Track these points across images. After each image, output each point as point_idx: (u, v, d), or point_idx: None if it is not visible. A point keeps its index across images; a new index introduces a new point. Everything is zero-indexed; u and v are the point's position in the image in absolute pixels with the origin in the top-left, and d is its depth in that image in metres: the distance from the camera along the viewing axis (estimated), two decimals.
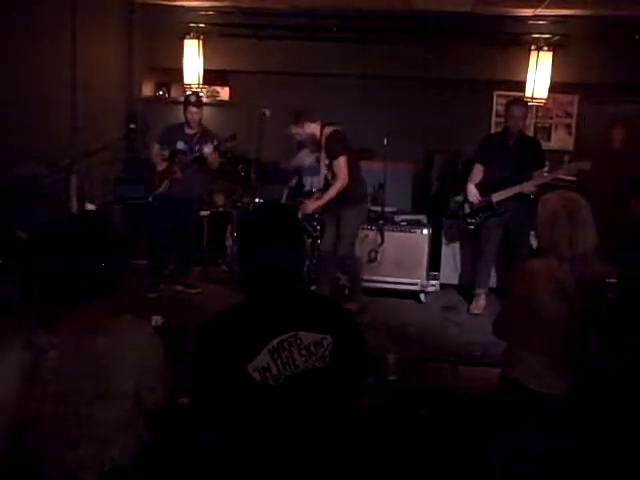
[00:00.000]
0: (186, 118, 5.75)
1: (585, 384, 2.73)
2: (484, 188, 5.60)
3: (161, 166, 5.75)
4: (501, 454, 2.79)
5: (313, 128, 5.30)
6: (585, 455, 2.69)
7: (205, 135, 5.74)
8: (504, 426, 2.77)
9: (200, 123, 5.80)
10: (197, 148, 5.64)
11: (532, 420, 2.67)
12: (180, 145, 5.72)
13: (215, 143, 5.62)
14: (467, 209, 5.71)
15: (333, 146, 5.24)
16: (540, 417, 2.66)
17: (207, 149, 5.58)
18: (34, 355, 1.97)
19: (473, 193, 5.62)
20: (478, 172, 5.67)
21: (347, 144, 5.30)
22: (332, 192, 5.23)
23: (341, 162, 5.19)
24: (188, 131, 5.76)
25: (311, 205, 5.36)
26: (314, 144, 5.40)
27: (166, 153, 5.75)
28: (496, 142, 5.67)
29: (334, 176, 5.25)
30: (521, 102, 5.73)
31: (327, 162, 5.30)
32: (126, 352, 2.03)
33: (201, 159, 5.62)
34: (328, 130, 5.27)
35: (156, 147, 5.83)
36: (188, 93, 6.00)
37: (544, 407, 2.65)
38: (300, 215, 5.38)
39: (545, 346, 2.67)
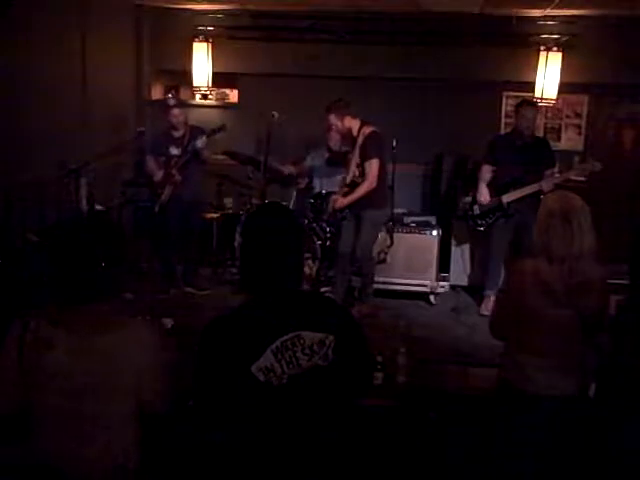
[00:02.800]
0: (171, 122, 5.77)
1: (587, 386, 2.72)
2: (494, 189, 5.60)
3: (157, 176, 5.77)
4: (502, 457, 2.77)
5: (353, 123, 5.29)
6: (585, 457, 2.67)
7: (194, 134, 5.76)
8: (503, 428, 2.75)
9: (186, 123, 5.82)
10: (190, 148, 5.66)
11: (528, 421, 2.65)
12: (173, 150, 5.75)
13: (205, 135, 5.68)
14: (477, 210, 5.70)
15: (371, 146, 5.23)
16: (536, 418, 2.64)
17: (200, 143, 5.63)
18: (38, 348, 2.00)
19: (484, 193, 5.60)
20: (487, 173, 5.66)
21: (383, 147, 5.32)
22: (361, 191, 5.23)
23: (374, 164, 5.19)
24: (176, 134, 5.77)
25: (344, 201, 5.34)
26: (347, 139, 5.38)
27: (162, 160, 5.76)
28: (505, 143, 5.66)
29: (363, 176, 5.25)
30: (532, 103, 5.71)
31: (359, 161, 5.28)
32: (131, 350, 2.06)
33: (195, 154, 5.67)
34: (368, 129, 5.25)
35: (151, 159, 5.85)
36: (168, 96, 6.11)
37: (539, 409, 2.63)
38: (331, 209, 5.45)
39: (536, 347, 2.65)
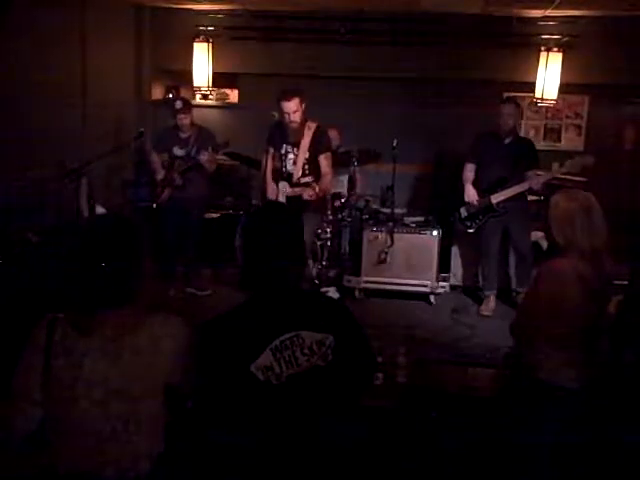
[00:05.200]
0: (176, 124, 5.72)
1: (600, 377, 2.75)
2: (479, 189, 5.55)
3: (160, 174, 5.75)
4: (528, 451, 2.78)
5: (304, 115, 5.00)
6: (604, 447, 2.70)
7: (201, 136, 5.71)
8: (533, 425, 2.76)
9: (193, 124, 5.76)
10: (193, 153, 5.62)
11: (564, 416, 2.68)
12: (177, 151, 5.71)
13: (210, 150, 5.60)
14: (464, 212, 5.66)
15: (323, 141, 5.08)
16: (569, 412, 2.67)
17: (203, 157, 5.55)
18: (69, 359, 1.95)
19: (471, 194, 5.56)
20: (470, 172, 5.62)
21: None
22: (326, 183, 5.05)
23: (329, 158, 5.05)
24: (182, 135, 5.73)
25: (314, 193, 4.98)
26: (296, 131, 5.02)
27: (165, 156, 5.75)
28: (489, 142, 5.59)
29: (316, 171, 5.03)
30: (511, 101, 5.65)
31: (307, 156, 5.06)
32: (159, 347, 2.01)
33: (198, 165, 5.62)
34: (313, 124, 5.05)
35: (154, 155, 5.84)
36: (174, 99, 6.03)
37: (573, 402, 2.66)
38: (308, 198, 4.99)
39: (574, 343, 2.69)
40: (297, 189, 5.07)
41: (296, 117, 4.92)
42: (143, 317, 2.04)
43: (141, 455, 2.02)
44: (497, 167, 5.46)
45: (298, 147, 5.06)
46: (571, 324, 2.67)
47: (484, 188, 5.52)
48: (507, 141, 5.49)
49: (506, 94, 6.92)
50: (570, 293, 2.64)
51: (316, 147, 5.04)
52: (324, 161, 5.05)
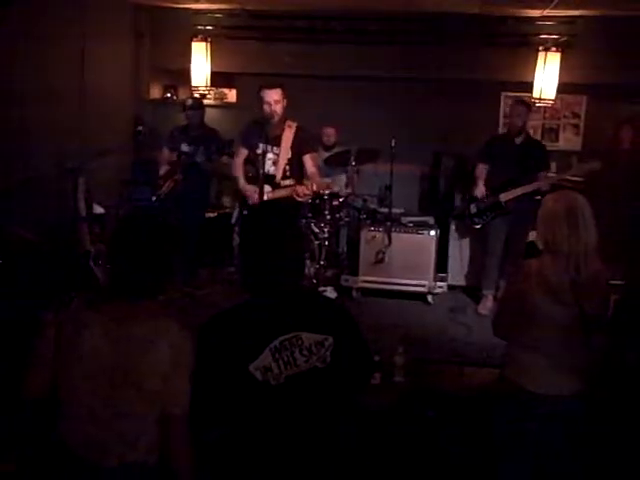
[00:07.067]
0: (187, 124, 5.92)
1: (591, 386, 2.71)
2: (489, 188, 5.64)
3: (164, 169, 5.86)
4: (501, 453, 2.78)
5: (284, 110, 4.73)
6: (585, 455, 2.68)
7: (208, 136, 5.82)
8: (502, 426, 2.76)
9: (202, 124, 5.92)
10: (201, 149, 5.70)
11: (528, 420, 2.66)
12: (184, 147, 5.82)
13: (212, 149, 5.68)
14: (473, 209, 5.72)
15: (311, 140, 4.91)
16: (536, 418, 2.64)
17: (199, 158, 5.67)
18: (74, 327, 2.01)
19: (482, 190, 5.64)
20: (482, 171, 5.70)
21: None
22: (321, 184, 4.67)
23: (315, 158, 4.87)
24: (192, 133, 5.88)
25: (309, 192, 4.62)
26: (275, 128, 4.75)
27: (174, 156, 5.84)
28: (501, 143, 5.71)
29: (300, 173, 4.77)
30: (520, 102, 5.73)
31: (290, 156, 4.79)
32: (164, 347, 2.01)
33: (195, 164, 5.70)
34: (294, 123, 4.79)
35: (165, 152, 5.93)
36: (185, 98, 6.29)
37: (539, 407, 2.62)
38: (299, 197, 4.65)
39: (540, 346, 2.64)
40: (279, 192, 4.77)
41: (278, 109, 4.66)
42: (157, 314, 2.08)
43: (140, 451, 2.02)
44: (508, 167, 5.54)
45: (278, 146, 4.78)
46: (538, 327, 2.63)
47: (494, 187, 5.59)
48: (518, 141, 5.58)
49: (504, 94, 6.96)
50: (532, 294, 2.61)
51: (300, 146, 4.79)
52: (310, 161, 4.79)
